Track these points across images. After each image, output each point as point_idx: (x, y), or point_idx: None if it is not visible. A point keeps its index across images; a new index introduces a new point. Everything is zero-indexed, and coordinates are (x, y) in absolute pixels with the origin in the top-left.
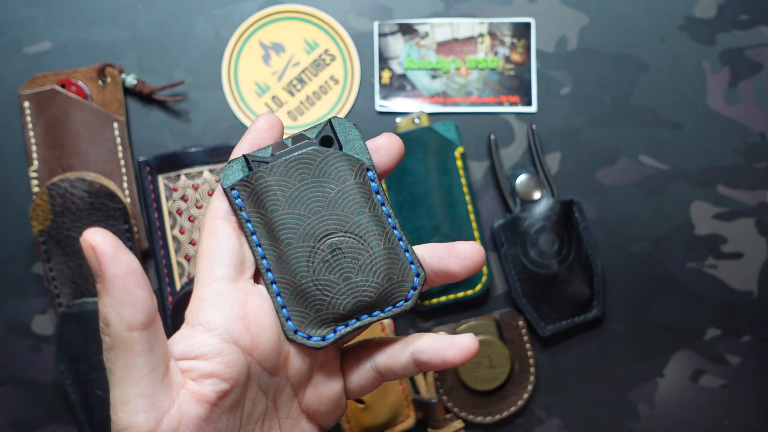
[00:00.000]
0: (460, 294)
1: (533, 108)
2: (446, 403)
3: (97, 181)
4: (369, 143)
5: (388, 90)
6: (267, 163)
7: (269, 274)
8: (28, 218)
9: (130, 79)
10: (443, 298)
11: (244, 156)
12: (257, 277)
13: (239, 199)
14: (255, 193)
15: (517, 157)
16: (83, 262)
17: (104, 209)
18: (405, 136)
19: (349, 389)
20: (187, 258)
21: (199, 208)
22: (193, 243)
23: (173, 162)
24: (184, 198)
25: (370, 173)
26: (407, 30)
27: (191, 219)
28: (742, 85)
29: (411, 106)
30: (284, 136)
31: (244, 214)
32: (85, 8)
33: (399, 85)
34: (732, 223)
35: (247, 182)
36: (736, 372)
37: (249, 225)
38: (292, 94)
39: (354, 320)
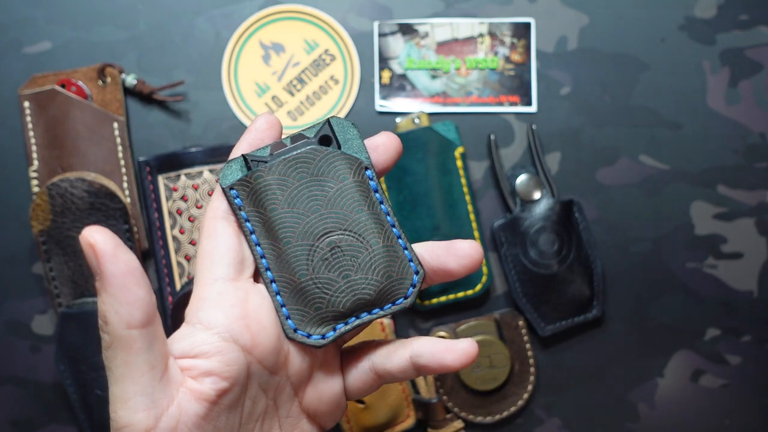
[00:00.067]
0: (460, 294)
1: (533, 108)
2: (446, 403)
3: (97, 181)
4: (367, 142)
5: (388, 90)
6: (266, 162)
7: (268, 273)
8: (28, 218)
9: (130, 79)
10: (443, 298)
11: (243, 156)
12: (257, 276)
13: (238, 199)
14: (254, 193)
15: (517, 157)
16: (83, 262)
17: (104, 209)
18: (405, 136)
19: (349, 390)
20: (187, 258)
21: (199, 208)
22: (193, 243)
23: (173, 162)
24: (184, 198)
25: (368, 172)
26: (407, 30)
27: (191, 219)
28: (742, 85)
29: (411, 106)
30: (283, 136)
31: (243, 213)
32: (85, 8)
33: (399, 85)
34: (732, 223)
35: (246, 182)
36: (736, 372)
37: (248, 224)
38: (292, 94)
39: (354, 318)
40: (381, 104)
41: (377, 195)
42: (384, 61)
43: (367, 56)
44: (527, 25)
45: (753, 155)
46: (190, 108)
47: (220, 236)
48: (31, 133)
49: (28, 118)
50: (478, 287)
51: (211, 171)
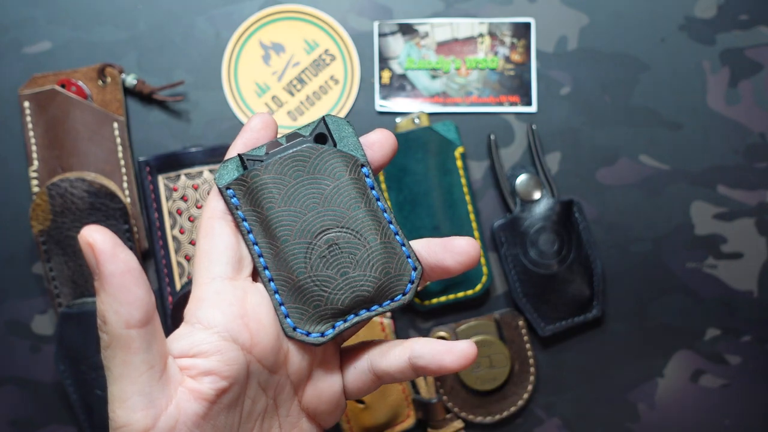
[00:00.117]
0: (460, 294)
1: (533, 108)
2: (446, 403)
3: (97, 181)
4: (362, 139)
5: (388, 90)
6: (262, 161)
7: (266, 272)
8: (28, 218)
9: (130, 79)
10: (443, 298)
11: (238, 155)
12: (255, 275)
13: (235, 198)
14: (250, 192)
15: (517, 157)
16: (83, 262)
17: (104, 209)
18: (405, 136)
19: (348, 390)
20: (187, 258)
21: (199, 208)
22: (193, 243)
23: (173, 162)
24: (184, 198)
25: (364, 169)
26: (407, 30)
27: (191, 219)
28: (742, 85)
29: (411, 106)
30: (279, 135)
31: (240, 213)
32: (85, 8)
33: (399, 85)
34: (732, 223)
35: (242, 181)
36: (736, 372)
37: (245, 224)
38: (292, 94)
39: (352, 315)
40: (381, 104)
41: (374, 192)
42: (384, 61)
43: (367, 56)
44: (527, 25)
45: (753, 155)
46: (190, 108)
47: (217, 236)
48: (31, 133)
49: (28, 118)
50: (478, 287)
51: (211, 171)
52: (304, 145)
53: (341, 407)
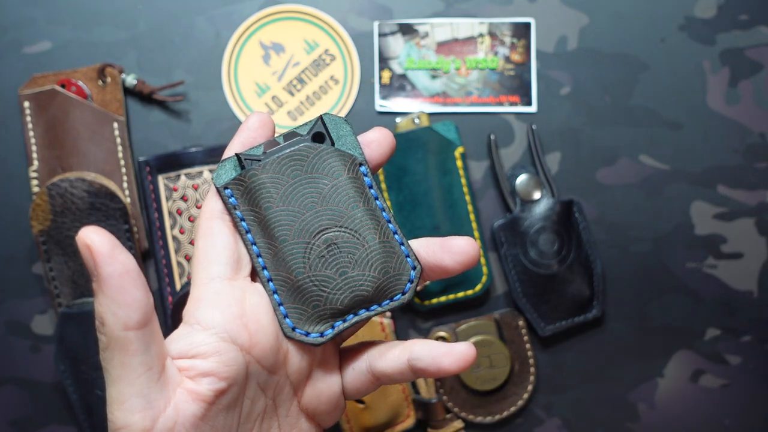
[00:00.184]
0: (460, 294)
1: (533, 108)
2: (446, 403)
3: (97, 181)
4: (360, 138)
5: (388, 90)
6: (259, 161)
7: (265, 272)
8: (28, 218)
9: (130, 79)
10: (443, 298)
11: (236, 155)
12: (254, 275)
13: (233, 198)
14: (248, 191)
15: (517, 157)
16: (83, 261)
17: (104, 209)
18: (405, 136)
19: (347, 390)
20: (187, 258)
21: (199, 208)
22: (193, 243)
23: (173, 162)
24: (184, 198)
25: (362, 168)
26: (407, 30)
27: (191, 219)
28: (742, 85)
29: (411, 106)
30: (276, 134)
31: (238, 212)
32: (85, 8)
33: (399, 85)
34: (732, 223)
35: (240, 181)
36: (736, 372)
37: (243, 224)
38: (292, 94)
39: (352, 315)
40: (381, 104)
41: (372, 191)
42: (384, 61)
43: (367, 56)
44: (527, 25)
45: (753, 155)
46: (190, 108)
47: (215, 236)
48: (31, 133)
49: (28, 118)
50: (478, 287)
51: (211, 171)
52: (302, 144)
53: (340, 407)
